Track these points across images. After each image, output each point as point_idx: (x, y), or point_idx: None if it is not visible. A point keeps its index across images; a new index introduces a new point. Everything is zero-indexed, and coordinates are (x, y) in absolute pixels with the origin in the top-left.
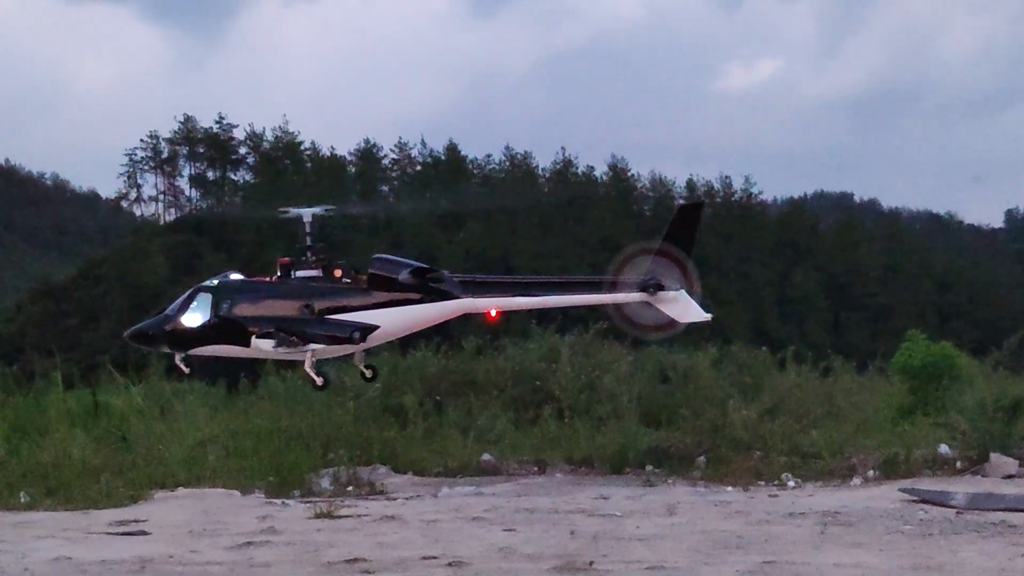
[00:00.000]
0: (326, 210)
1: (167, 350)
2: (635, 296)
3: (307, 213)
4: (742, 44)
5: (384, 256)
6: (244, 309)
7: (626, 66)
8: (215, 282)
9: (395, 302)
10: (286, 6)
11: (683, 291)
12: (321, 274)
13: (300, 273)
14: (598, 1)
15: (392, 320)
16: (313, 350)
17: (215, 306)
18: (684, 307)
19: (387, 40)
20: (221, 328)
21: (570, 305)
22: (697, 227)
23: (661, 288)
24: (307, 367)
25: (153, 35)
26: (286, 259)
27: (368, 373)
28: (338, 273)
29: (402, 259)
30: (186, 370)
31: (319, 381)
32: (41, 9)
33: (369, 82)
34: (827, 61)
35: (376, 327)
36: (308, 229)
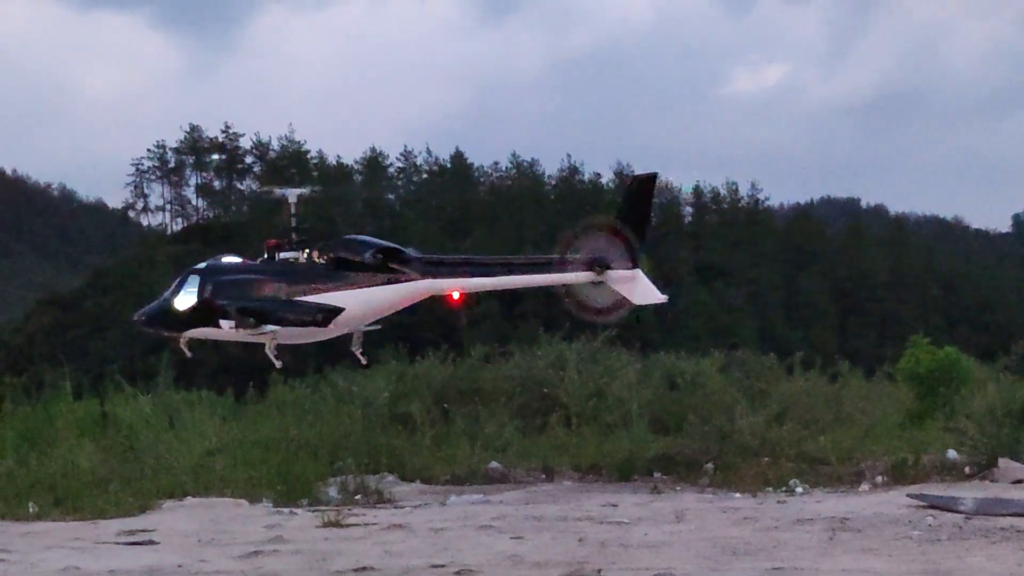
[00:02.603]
0: (312, 190)
1: (166, 333)
2: (583, 276)
3: (292, 193)
4: (750, 49)
5: (351, 237)
6: (220, 291)
7: (633, 72)
8: (204, 264)
9: (360, 283)
10: (293, 14)
11: (639, 270)
12: (302, 256)
13: (283, 255)
14: (606, 7)
15: (357, 302)
16: (272, 332)
17: (200, 288)
18: (639, 287)
19: (394, 48)
20: (203, 310)
21: (521, 286)
22: (651, 200)
23: (608, 267)
24: (267, 349)
25: (159, 44)
26: (273, 241)
27: (364, 360)
28: (315, 255)
29: (369, 239)
30: (188, 353)
31: (277, 364)
32: (48, 19)
33: (375, 90)
34: (834, 66)
35: (341, 309)
36: (293, 210)
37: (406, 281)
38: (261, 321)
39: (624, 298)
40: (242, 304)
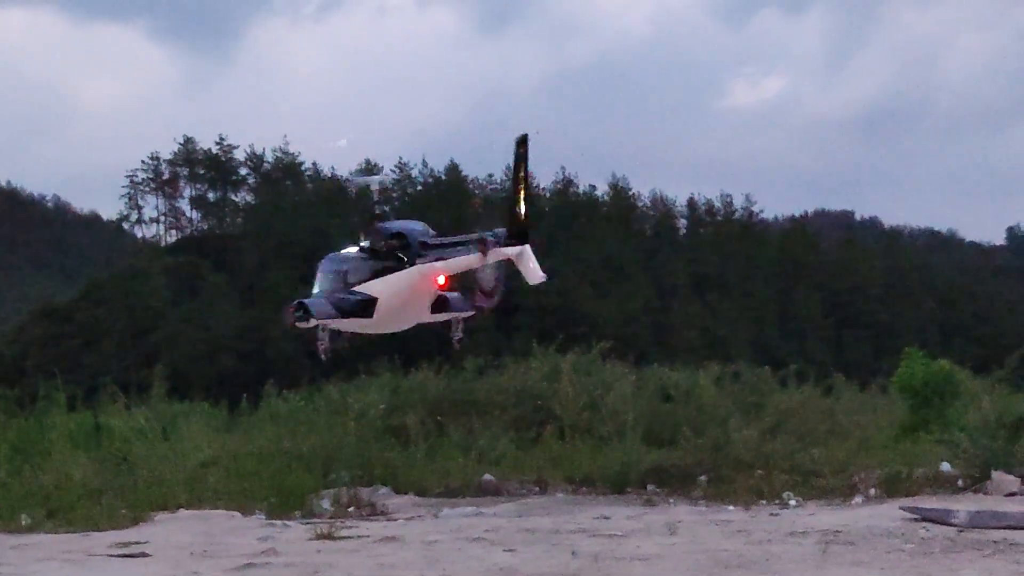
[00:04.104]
0: (390, 180)
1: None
2: (474, 259)
3: (373, 181)
4: (747, 62)
5: (380, 224)
6: (316, 281)
7: (629, 84)
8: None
9: (386, 271)
10: (291, 26)
11: (526, 247)
12: (371, 245)
13: (364, 243)
14: (603, 20)
15: (384, 291)
16: (318, 324)
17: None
18: (526, 265)
19: (389, 60)
20: None
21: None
22: (525, 163)
23: (487, 245)
24: (318, 340)
25: (156, 56)
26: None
27: (457, 347)
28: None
29: (386, 225)
30: (342, 346)
31: (323, 358)
32: (44, 30)
33: (371, 102)
34: (831, 79)
35: (375, 299)
36: (375, 198)
37: (405, 267)
38: (307, 315)
39: (497, 281)
40: (301, 297)
